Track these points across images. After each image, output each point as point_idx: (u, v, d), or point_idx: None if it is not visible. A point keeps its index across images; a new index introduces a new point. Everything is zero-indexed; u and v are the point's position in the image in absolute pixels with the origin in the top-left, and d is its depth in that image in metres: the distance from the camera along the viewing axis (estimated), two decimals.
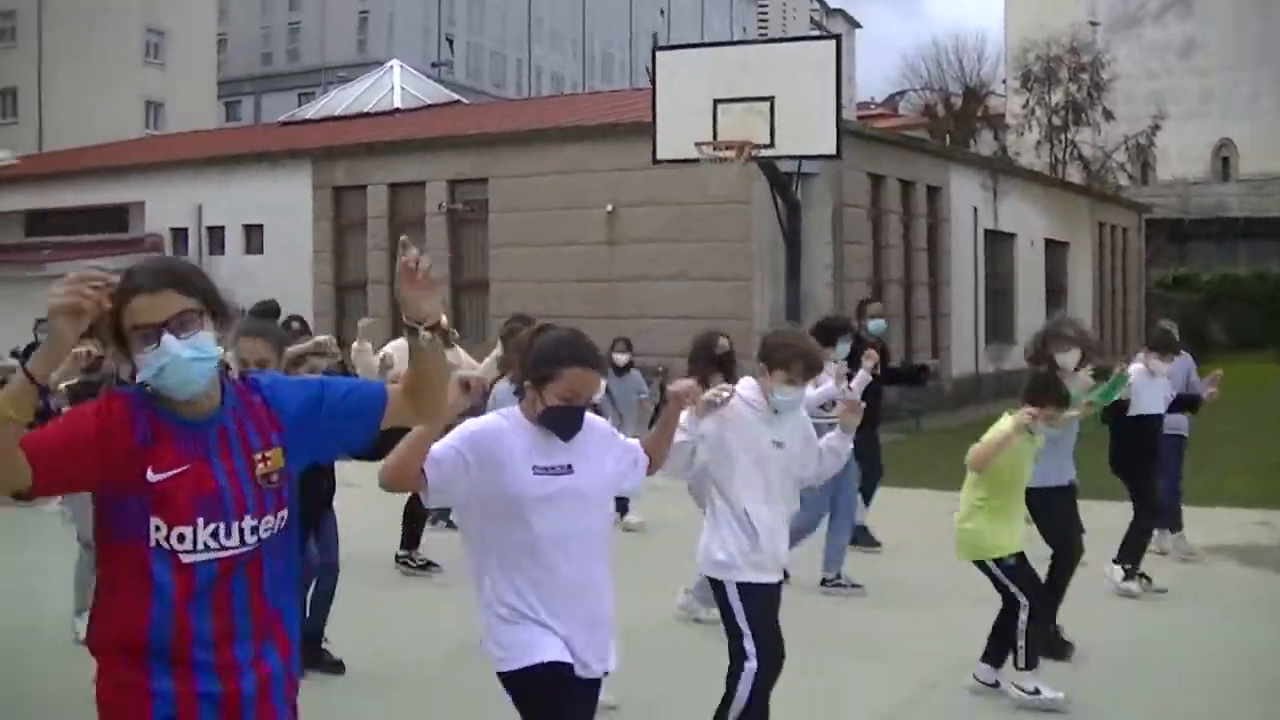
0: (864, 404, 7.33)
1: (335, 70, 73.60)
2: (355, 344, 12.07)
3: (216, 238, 36.81)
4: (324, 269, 34.12)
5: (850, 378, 12.08)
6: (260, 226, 35.78)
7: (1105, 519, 12.04)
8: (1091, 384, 9.89)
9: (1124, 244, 50.62)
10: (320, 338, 8.87)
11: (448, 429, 5.12)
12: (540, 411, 5.20)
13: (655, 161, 21.37)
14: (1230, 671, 9.65)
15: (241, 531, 3.72)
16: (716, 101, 19.96)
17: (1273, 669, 9.82)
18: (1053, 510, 9.53)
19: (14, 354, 11.66)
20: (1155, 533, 12.78)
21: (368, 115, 40.82)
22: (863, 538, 13.50)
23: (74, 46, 64.64)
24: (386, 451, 4.69)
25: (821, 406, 11.76)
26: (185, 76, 70.41)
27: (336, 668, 9.47)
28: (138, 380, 3.65)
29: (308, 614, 9.47)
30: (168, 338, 3.58)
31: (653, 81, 21.16)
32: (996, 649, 8.97)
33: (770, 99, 19.67)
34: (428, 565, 12.83)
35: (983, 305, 37.11)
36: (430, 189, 32.68)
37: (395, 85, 42.95)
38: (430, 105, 41.95)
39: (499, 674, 5.20)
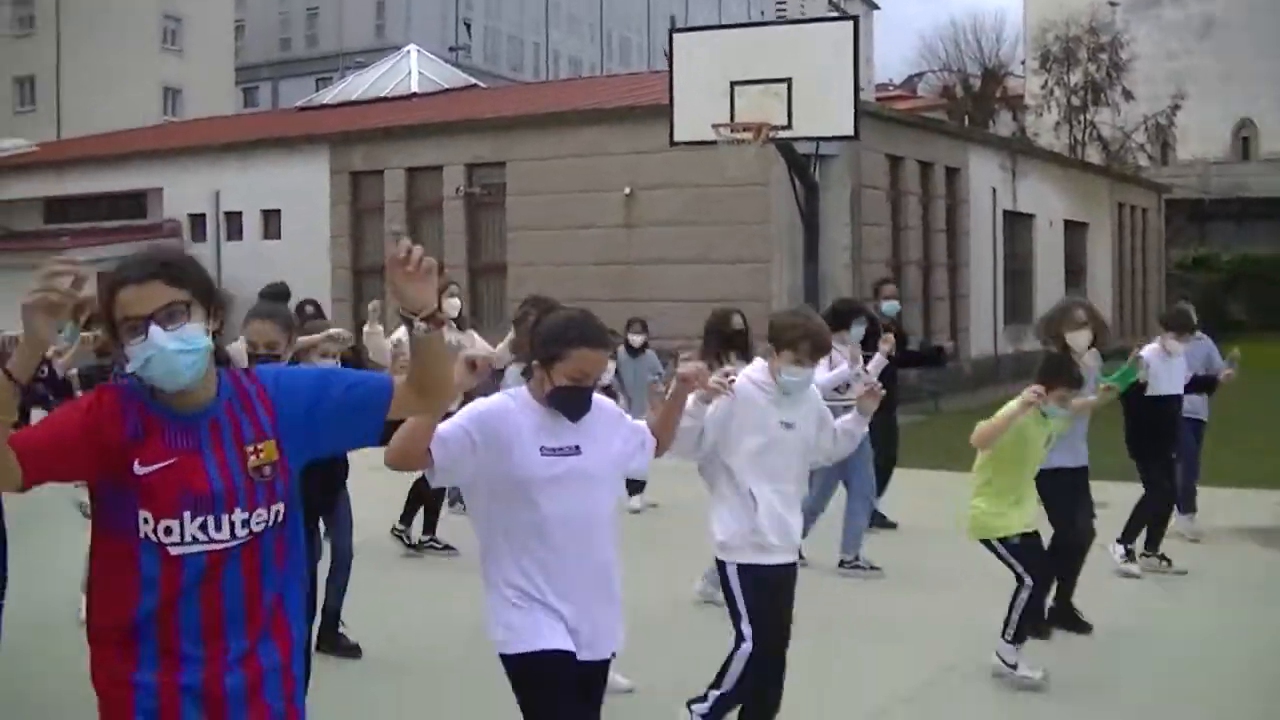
0: (882, 388, 7.27)
1: (353, 55, 73.54)
2: (366, 326, 12.01)
3: (234, 223, 36.86)
4: (341, 254, 34.11)
5: (866, 360, 12.06)
6: (278, 212, 35.81)
7: (1122, 500, 12.03)
8: (1102, 365, 9.87)
9: (1144, 224, 50.45)
10: (332, 330, 8.83)
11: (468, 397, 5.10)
12: (548, 392, 5.18)
13: (673, 144, 21.32)
14: (1240, 654, 9.61)
15: (232, 524, 3.68)
16: (734, 83, 19.89)
17: None
18: (1059, 492, 9.44)
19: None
20: (1182, 518, 12.75)
21: (385, 100, 40.81)
22: (876, 519, 13.47)
23: (92, 34, 64.67)
24: (392, 432, 4.66)
25: (836, 390, 11.75)
26: (203, 63, 70.42)
27: (353, 652, 9.47)
28: (127, 371, 3.63)
29: (324, 598, 9.49)
30: (154, 329, 3.54)
31: (670, 64, 21.09)
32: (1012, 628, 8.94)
33: (788, 80, 19.60)
34: (445, 548, 12.83)
35: (1001, 286, 37.01)
36: (448, 173, 32.67)
37: (412, 70, 42.93)
38: (448, 90, 41.91)
39: (500, 655, 5.20)
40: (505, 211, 31.80)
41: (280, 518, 3.80)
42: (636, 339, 16.26)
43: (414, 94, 41.01)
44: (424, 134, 33.60)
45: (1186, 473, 13.09)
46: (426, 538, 12.98)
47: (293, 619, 3.89)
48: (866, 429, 7.39)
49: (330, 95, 45.22)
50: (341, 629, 9.60)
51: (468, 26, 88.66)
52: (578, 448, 5.21)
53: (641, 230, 29.38)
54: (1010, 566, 8.76)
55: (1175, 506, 12.49)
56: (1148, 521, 11.98)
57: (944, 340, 23.01)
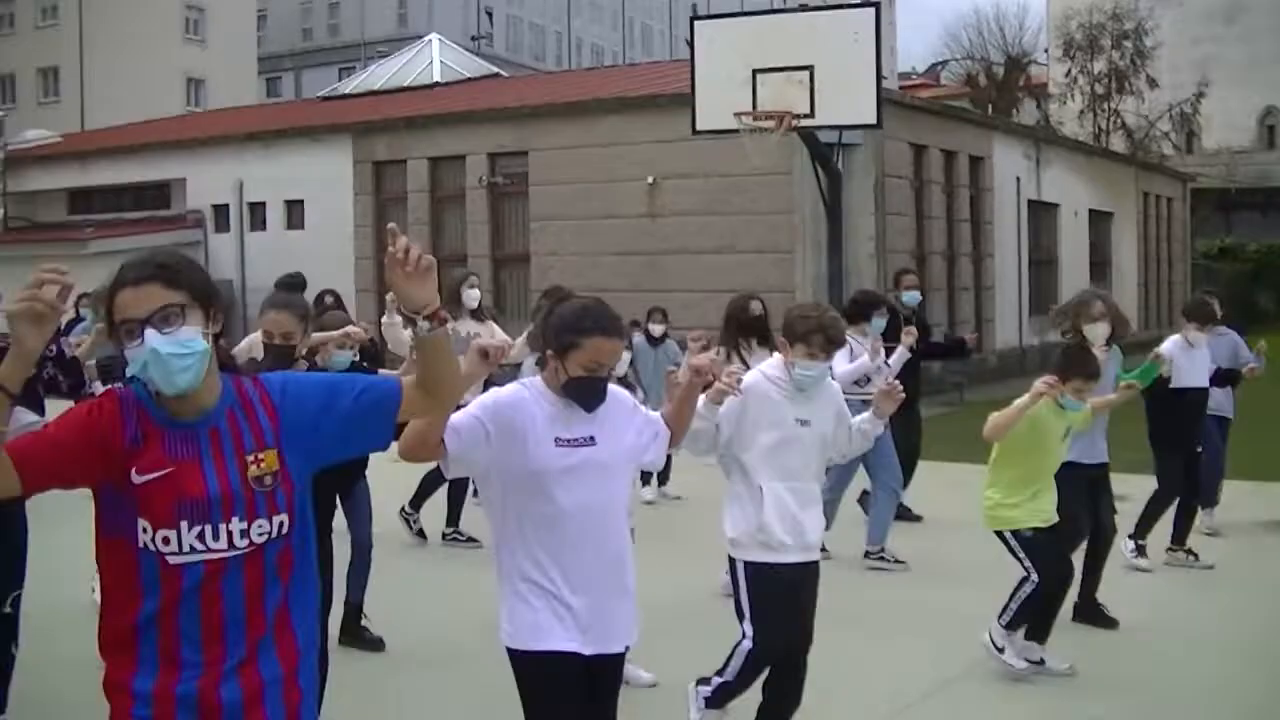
0: (902, 391, 7.20)
1: (375, 45, 73.66)
2: (385, 317, 11.97)
3: (258, 213, 36.90)
4: (364, 244, 34.06)
5: (888, 352, 12.02)
6: (301, 202, 35.83)
7: (1144, 494, 11.99)
8: (1123, 360, 9.83)
9: (1169, 214, 50.30)
10: (349, 328, 8.80)
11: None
12: (563, 382, 5.15)
13: (695, 132, 21.27)
14: (1261, 649, 9.59)
15: (230, 534, 3.63)
16: (755, 71, 19.83)
17: None
18: (1070, 487, 9.33)
19: (55, 329, 11.67)
20: (1200, 511, 12.67)
21: (408, 89, 40.74)
22: (901, 512, 13.42)
23: (115, 25, 64.72)
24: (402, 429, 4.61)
25: (856, 383, 11.71)
26: (226, 53, 70.44)
27: (376, 645, 9.45)
28: (127, 374, 3.60)
29: (346, 591, 9.48)
30: (149, 332, 3.51)
31: (691, 52, 21.03)
32: (1039, 625, 8.89)
33: (809, 68, 19.54)
34: (469, 540, 12.80)
35: (1026, 276, 36.89)
36: (470, 163, 32.64)
37: (435, 59, 42.85)
38: (470, 79, 41.83)
39: (506, 647, 5.20)
40: (528, 201, 31.77)
41: (284, 529, 3.73)
42: (657, 328, 16.22)
43: (436, 83, 40.94)
44: (447, 123, 33.56)
45: (1210, 468, 12.96)
46: (450, 530, 12.96)
47: (299, 631, 3.82)
48: (883, 428, 7.33)
49: (353, 85, 45.17)
50: (364, 622, 9.59)
51: (490, 15, 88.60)
52: (592, 438, 5.18)
53: (664, 220, 29.33)
54: (1019, 560, 8.75)
55: (1191, 501, 12.36)
56: (1158, 515, 11.91)
57: (968, 332, 22.93)
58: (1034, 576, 8.69)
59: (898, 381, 7.20)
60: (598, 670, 5.24)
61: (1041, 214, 38.28)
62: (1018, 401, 8.33)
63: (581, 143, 30.56)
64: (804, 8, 21.92)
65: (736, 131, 20.37)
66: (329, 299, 13.97)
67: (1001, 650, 8.80)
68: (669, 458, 8.29)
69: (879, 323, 12.31)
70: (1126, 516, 10.68)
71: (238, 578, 3.66)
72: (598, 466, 5.19)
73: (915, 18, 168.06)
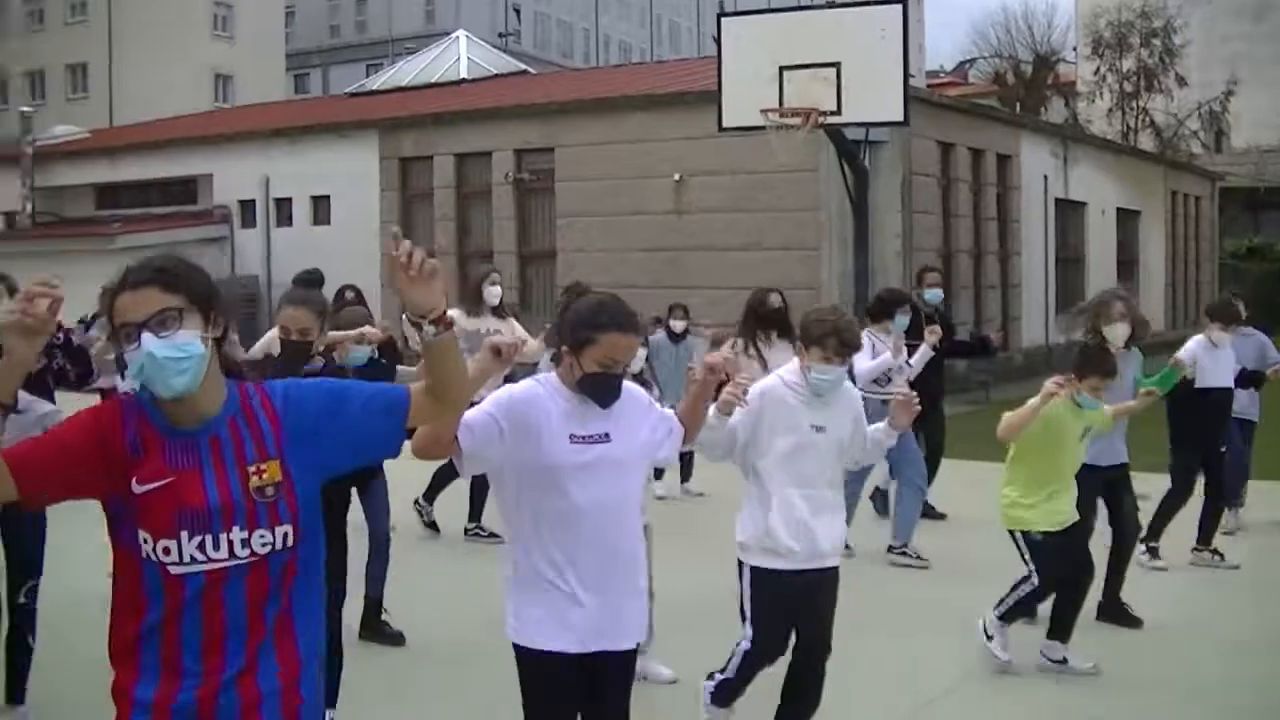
0: (918, 403, 7.15)
1: (403, 42, 73.61)
2: (406, 313, 11.96)
3: (284, 209, 36.96)
4: (391, 240, 33.92)
5: (910, 351, 12.01)
6: (327, 198, 35.88)
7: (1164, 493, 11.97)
8: (1143, 362, 9.82)
9: (1197, 213, 50.14)
10: (365, 328, 8.81)
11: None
12: (578, 378, 5.13)
13: (721, 129, 21.24)
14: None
15: (231, 544, 3.59)
16: (782, 68, 19.80)
17: None
18: (1084, 488, 9.27)
19: (81, 322, 11.67)
20: (1225, 512, 12.62)
21: (435, 86, 40.79)
22: (924, 510, 13.41)
23: (143, 21, 64.91)
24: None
25: (875, 381, 11.71)
26: (253, 49, 70.54)
27: (396, 639, 9.46)
28: (127, 378, 3.60)
29: (365, 586, 9.50)
30: (146, 336, 3.49)
31: (718, 48, 21.01)
32: (1060, 624, 8.86)
33: (836, 65, 19.50)
34: (491, 535, 12.80)
35: (1053, 275, 36.79)
36: (497, 159, 32.65)
37: (462, 56, 42.90)
38: (497, 75, 41.87)
39: (511, 641, 5.23)
40: (555, 197, 31.76)
41: (289, 540, 3.68)
42: (678, 325, 16.17)
43: (463, 80, 40.97)
44: (473, 120, 33.56)
45: (1233, 468, 12.87)
46: (472, 525, 12.96)
47: (301, 640, 3.77)
48: (894, 442, 7.31)
49: (380, 81, 45.26)
50: (384, 616, 9.59)
51: (517, 12, 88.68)
52: (607, 435, 5.18)
53: (691, 217, 29.29)
54: (1023, 560, 8.78)
55: (1217, 502, 12.29)
56: (1170, 516, 11.85)
57: (993, 330, 22.86)
58: (1033, 579, 8.74)
59: (914, 393, 7.15)
60: (606, 666, 5.26)
61: (1069, 212, 38.16)
62: (1030, 401, 8.33)
63: (608, 139, 30.55)
64: (831, 4, 21.89)
65: (763, 128, 20.35)
66: (349, 294, 13.96)
67: (990, 639, 8.89)
68: (691, 454, 8.28)
69: (902, 320, 12.28)
70: (1145, 516, 10.62)
71: (239, 587, 3.63)
72: (612, 463, 5.18)
73: (943, 15, 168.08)
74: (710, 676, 7.23)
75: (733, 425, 6.60)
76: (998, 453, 8.99)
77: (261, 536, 3.62)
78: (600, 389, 5.14)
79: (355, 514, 8.82)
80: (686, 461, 15.06)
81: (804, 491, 6.78)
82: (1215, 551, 11.95)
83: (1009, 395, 26.05)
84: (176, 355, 3.49)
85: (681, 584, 10.68)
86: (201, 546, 3.56)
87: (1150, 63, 55.11)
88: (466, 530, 12.99)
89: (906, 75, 20.02)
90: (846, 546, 11.68)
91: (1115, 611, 9.97)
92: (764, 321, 11.61)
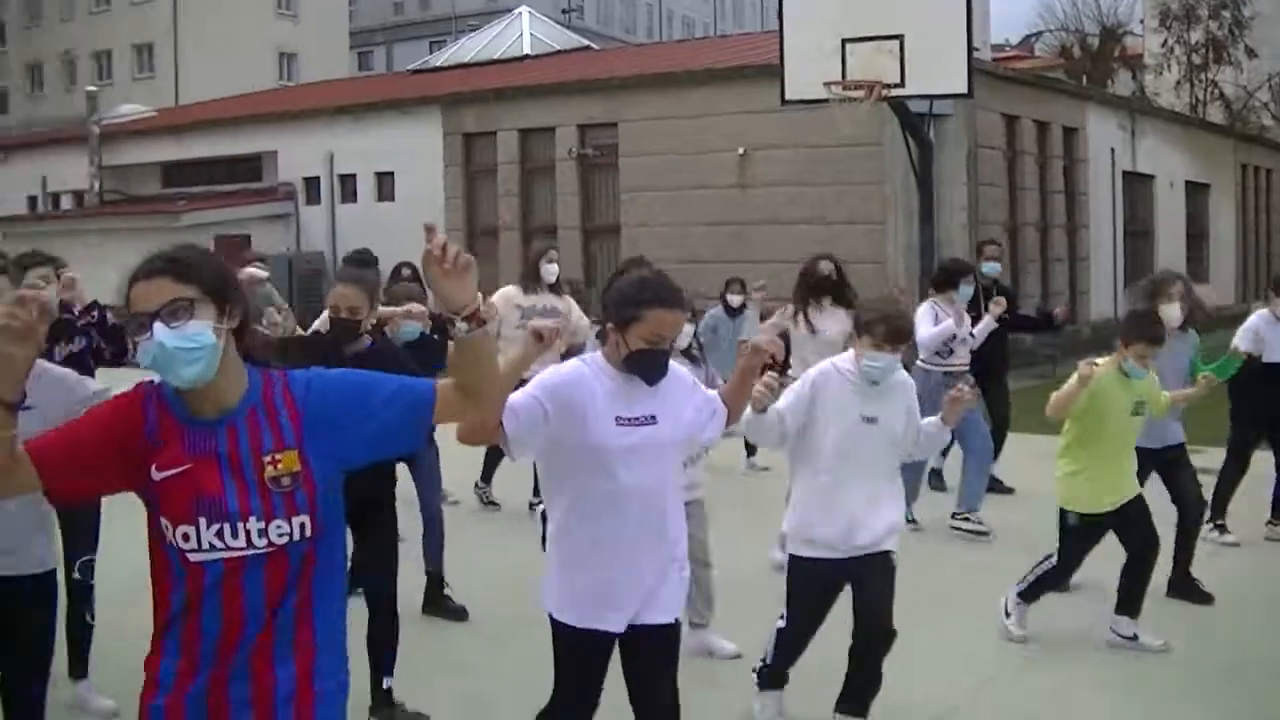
0: (971, 394, 7.07)
1: (466, 19, 73.67)
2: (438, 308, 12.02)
3: (348, 186, 37.03)
4: (455, 216, 34.13)
5: (975, 321, 11.99)
6: (391, 174, 35.91)
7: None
8: (1198, 345, 9.73)
9: (1268, 185, 49.57)
10: (410, 305, 8.81)
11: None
12: (624, 355, 5.09)
13: (784, 102, 21.13)
14: None
15: (248, 534, 3.58)
16: (845, 41, 19.66)
17: None
18: (1137, 469, 9.17)
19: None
20: None
21: (497, 62, 40.77)
22: (991, 483, 13.33)
23: (208, 1, 65.21)
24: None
25: (938, 354, 11.67)
26: (318, 27, 70.78)
27: (459, 614, 9.47)
28: (128, 365, 3.61)
29: (424, 562, 9.54)
30: (157, 326, 3.49)
31: (780, 21, 20.88)
32: (1129, 599, 8.76)
33: (899, 38, 19.34)
34: (491, 503, 13.15)
35: (1121, 248, 36.48)
36: (560, 134, 32.61)
37: (525, 31, 42.85)
38: (560, 51, 41.82)
39: (547, 612, 5.26)
40: (618, 173, 31.69)
41: (306, 530, 3.65)
42: (735, 299, 16.07)
43: (526, 56, 40.94)
44: (536, 95, 33.50)
45: None
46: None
47: (319, 631, 3.75)
48: (949, 435, 7.28)
49: (443, 58, 45.25)
50: (447, 590, 9.60)
51: None
52: (653, 417, 5.15)
53: (755, 191, 29.15)
54: (1058, 536, 8.82)
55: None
56: (1230, 492, 11.69)
57: (1061, 305, 22.67)
58: (1054, 559, 8.80)
59: (966, 388, 7.07)
60: (647, 640, 5.25)
61: (1137, 185, 37.84)
62: (1071, 379, 8.29)
63: (671, 114, 30.43)
64: None
65: (826, 101, 20.22)
66: (405, 271, 14.05)
67: (1008, 615, 8.97)
68: None
69: (966, 290, 12.26)
70: (1207, 492, 10.50)
71: (257, 577, 3.62)
72: (657, 446, 5.17)
73: None
74: (755, 668, 7.29)
75: (780, 412, 6.57)
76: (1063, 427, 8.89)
77: (279, 527, 3.60)
78: (647, 366, 5.10)
79: (406, 485, 8.84)
80: None
81: (852, 482, 6.74)
82: None
83: (1076, 370, 25.90)
84: (187, 346, 3.49)
85: (746, 559, 10.65)
86: (220, 534, 3.57)
87: (1219, 34, 54.48)
88: (475, 485, 13.24)
89: (970, 46, 19.82)
90: (914, 521, 11.72)
91: (1185, 588, 9.86)
92: (815, 289, 11.61)
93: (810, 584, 6.91)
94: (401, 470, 8.77)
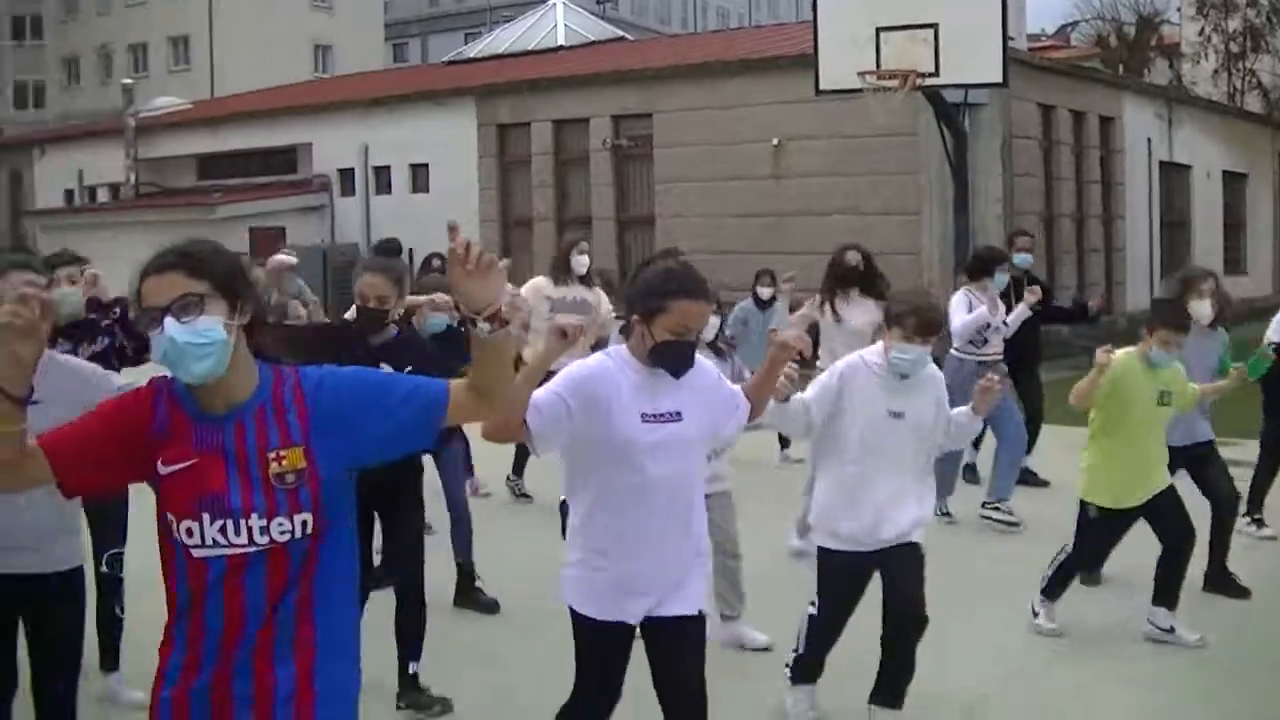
0: (1001, 385, 7.03)
1: (501, 10, 73.71)
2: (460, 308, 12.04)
3: (383, 177, 37.04)
4: (489, 207, 34.13)
5: (1008, 311, 11.98)
6: (425, 165, 35.90)
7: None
8: (1227, 342, 9.69)
9: None
10: (436, 295, 8.81)
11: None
12: (650, 348, 5.06)
13: (818, 92, 21.06)
14: None
15: (250, 530, 3.59)
16: (879, 30, 19.58)
17: None
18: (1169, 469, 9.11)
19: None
20: None
21: (532, 53, 40.73)
22: (1027, 476, 13.28)
23: None
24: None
25: (971, 342, 11.66)
26: (353, 19, 70.97)
27: (490, 607, 9.49)
28: (135, 356, 3.62)
29: (454, 554, 9.55)
30: (168, 321, 3.50)
31: (814, 11, 20.82)
32: (1165, 591, 8.70)
33: (934, 26, 19.26)
34: (523, 495, 13.21)
35: (1158, 239, 36.28)
36: (594, 125, 32.55)
37: (559, 22, 42.81)
38: (594, 42, 41.78)
39: (568, 605, 5.27)
40: (653, 164, 31.60)
41: (308, 529, 3.65)
42: (765, 291, 16.01)
43: (560, 47, 40.89)
44: (570, 86, 33.45)
45: None
46: (515, 479, 13.19)
47: (321, 633, 3.75)
48: (981, 424, 7.27)
49: (477, 49, 45.26)
50: (478, 583, 9.61)
51: None
52: (678, 414, 5.14)
53: (789, 181, 29.04)
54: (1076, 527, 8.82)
55: None
56: (1267, 485, 11.59)
57: (1097, 296, 22.60)
58: (1069, 548, 8.83)
59: (996, 378, 7.04)
60: (671, 630, 5.23)
61: (1173, 175, 37.61)
62: (1093, 371, 8.27)
63: (706, 104, 30.32)
64: None
65: (860, 91, 20.16)
66: (436, 262, 14.07)
67: (1036, 615, 8.95)
68: None
69: (1001, 279, 12.26)
70: (1241, 485, 10.43)
71: (259, 574, 3.63)
72: (682, 442, 5.16)
73: None
74: (788, 661, 7.26)
75: (805, 401, 6.56)
76: None
77: (280, 524, 3.61)
78: (673, 358, 5.08)
79: (435, 477, 8.86)
80: None
81: (879, 477, 6.72)
82: None
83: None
84: (198, 341, 3.50)
85: (777, 552, 10.65)
86: (223, 530, 3.58)
87: (1257, 23, 54.11)
88: (507, 479, 13.24)
89: (1005, 35, 19.73)
90: (948, 514, 11.69)
91: (1221, 582, 9.81)
92: (842, 279, 11.62)
93: (839, 573, 6.91)
94: (429, 461, 8.79)
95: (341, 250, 34.92)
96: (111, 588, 7.58)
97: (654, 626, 5.22)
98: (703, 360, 5.38)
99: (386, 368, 7.19)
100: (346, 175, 37.76)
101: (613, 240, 31.38)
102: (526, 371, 4.79)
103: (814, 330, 10.82)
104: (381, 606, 7.58)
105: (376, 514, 7.66)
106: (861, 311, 11.30)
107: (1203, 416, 9.73)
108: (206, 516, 3.57)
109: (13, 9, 74.15)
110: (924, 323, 6.68)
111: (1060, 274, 29.80)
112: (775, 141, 28.92)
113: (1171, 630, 8.65)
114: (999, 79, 19.96)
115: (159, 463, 3.60)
